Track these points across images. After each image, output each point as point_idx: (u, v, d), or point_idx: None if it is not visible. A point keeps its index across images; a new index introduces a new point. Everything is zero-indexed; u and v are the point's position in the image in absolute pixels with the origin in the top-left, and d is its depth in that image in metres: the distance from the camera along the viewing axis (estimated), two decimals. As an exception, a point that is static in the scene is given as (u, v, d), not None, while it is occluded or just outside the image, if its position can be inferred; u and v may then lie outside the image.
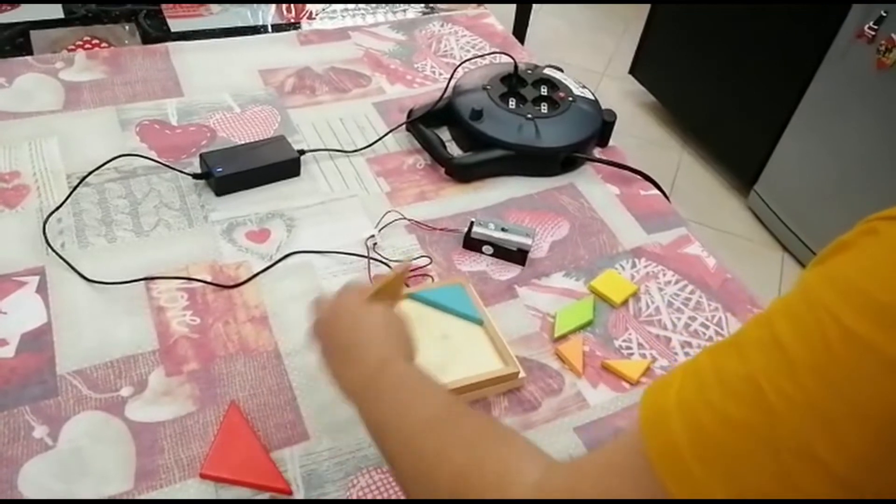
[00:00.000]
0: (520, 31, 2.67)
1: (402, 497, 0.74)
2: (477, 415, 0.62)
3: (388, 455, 0.61)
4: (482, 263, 1.00)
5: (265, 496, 0.73)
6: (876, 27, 2.01)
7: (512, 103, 1.17)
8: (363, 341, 0.68)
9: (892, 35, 1.97)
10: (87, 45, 1.28)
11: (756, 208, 2.62)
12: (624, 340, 0.93)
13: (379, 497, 0.74)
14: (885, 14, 1.98)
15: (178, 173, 1.05)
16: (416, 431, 0.59)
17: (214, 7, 1.43)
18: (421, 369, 0.66)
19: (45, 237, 0.94)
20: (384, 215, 1.03)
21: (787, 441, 0.38)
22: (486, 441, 0.56)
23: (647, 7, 2.89)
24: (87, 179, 1.02)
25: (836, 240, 0.44)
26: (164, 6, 1.41)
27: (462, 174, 1.12)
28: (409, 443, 0.58)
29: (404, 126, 1.19)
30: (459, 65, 1.25)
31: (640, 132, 2.95)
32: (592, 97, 1.23)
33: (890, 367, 0.36)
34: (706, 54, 2.66)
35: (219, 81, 1.24)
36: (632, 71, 3.03)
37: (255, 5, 1.46)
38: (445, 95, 1.20)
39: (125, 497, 0.71)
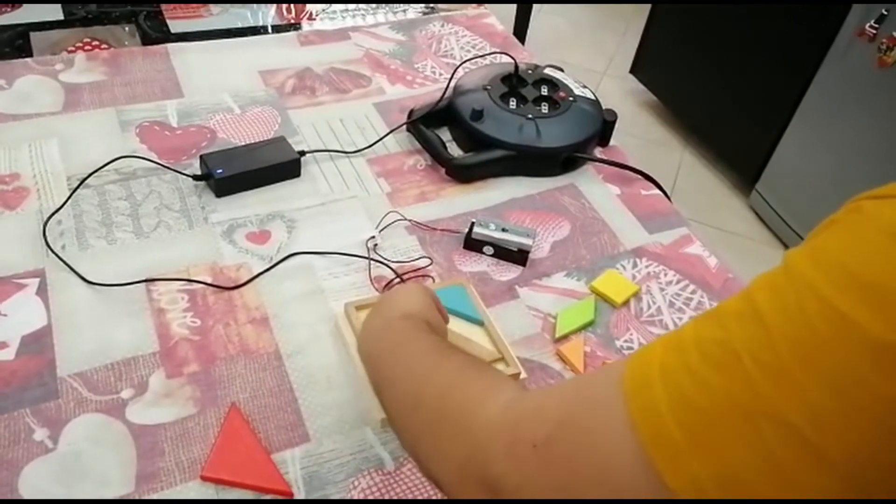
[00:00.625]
0: (520, 30, 2.67)
1: (403, 497, 0.74)
2: (465, 353, 0.66)
3: (380, 382, 0.66)
4: (483, 264, 1.00)
5: (266, 497, 0.72)
6: (877, 26, 2.01)
7: (512, 103, 1.17)
8: (400, 303, 0.74)
9: (894, 34, 1.96)
10: (87, 47, 1.28)
11: (758, 207, 2.61)
12: (625, 341, 0.93)
13: (381, 498, 0.74)
14: (886, 13, 1.98)
15: (179, 175, 1.05)
16: (409, 360, 0.65)
17: (214, 8, 1.43)
18: (431, 331, 0.70)
19: (46, 239, 0.94)
20: (385, 216, 1.03)
21: (763, 409, 0.38)
22: (470, 369, 0.61)
23: (648, 6, 2.89)
24: (87, 181, 1.02)
25: (826, 219, 0.45)
26: (163, 7, 1.41)
27: (463, 174, 1.11)
28: (402, 369, 0.64)
29: (405, 126, 1.19)
30: (460, 65, 1.25)
31: (641, 132, 2.94)
32: (593, 97, 1.23)
33: (866, 344, 0.36)
34: (707, 53, 2.66)
35: (219, 82, 1.24)
36: (633, 70, 3.03)
37: (255, 6, 1.46)
38: (446, 96, 1.19)
39: (126, 499, 0.71)
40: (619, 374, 0.45)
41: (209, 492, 0.72)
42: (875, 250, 0.38)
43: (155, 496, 0.71)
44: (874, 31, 2.02)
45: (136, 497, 0.71)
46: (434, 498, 0.75)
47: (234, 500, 0.72)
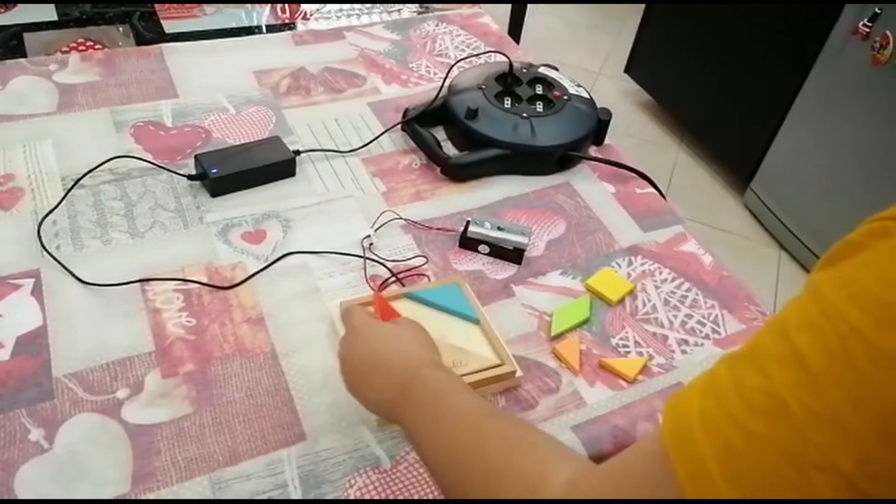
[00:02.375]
0: (515, 30, 2.67)
1: (400, 497, 0.74)
2: (508, 415, 0.65)
3: (428, 462, 0.63)
4: (478, 263, 1.00)
5: (265, 497, 0.72)
6: (870, 24, 2.02)
7: (507, 102, 1.17)
8: (384, 361, 0.70)
9: (887, 32, 1.97)
10: (81, 47, 1.28)
11: (752, 206, 2.62)
12: (621, 339, 0.93)
13: (377, 497, 0.74)
14: (879, 11, 1.99)
15: (173, 175, 1.05)
16: (451, 436, 0.61)
17: (208, 8, 1.43)
18: (446, 372, 0.68)
19: (40, 239, 0.93)
20: (380, 215, 1.03)
21: (812, 457, 0.37)
22: (520, 441, 0.58)
23: (642, 6, 2.89)
24: (81, 181, 1.02)
25: (843, 240, 0.43)
26: (158, 7, 1.41)
27: (458, 174, 1.12)
28: (445, 447, 0.61)
29: (399, 126, 1.19)
30: (454, 64, 1.25)
31: (636, 131, 2.95)
32: (588, 96, 1.23)
33: None
34: (702, 53, 2.67)
35: (213, 82, 1.24)
36: (627, 70, 3.03)
37: (249, 6, 1.46)
38: (441, 95, 1.19)
39: (122, 499, 0.71)
40: (652, 440, 0.44)
41: (205, 492, 0.72)
42: None
43: (151, 496, 0.71)
44: (867, 30, 2.03)
45: (133, 497, 0.71)
46: (433, 498, 0.75)
47: (234, 500, 0.72)
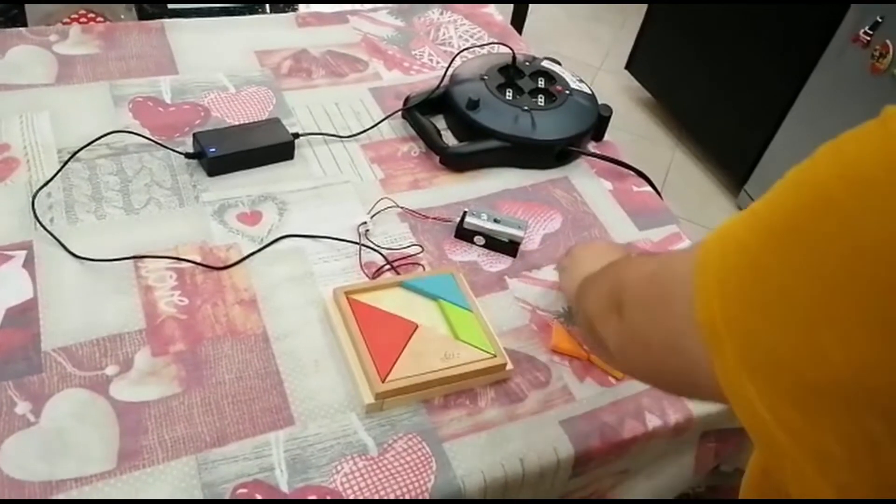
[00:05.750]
0: (517, 21, 2.66)
1: (385, 483, 0.74)
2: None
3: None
4: (473, 254, 1.00)
5: (261, 498, 0.72)
6: (871, 32, 2.02)
7: (509, 94, 1.17)
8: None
9: (887, 41, 1.97)
10: (83, 19, 1.27)
11: (745, 207, 2.62)
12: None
13: (363, 483, 0.74)
14: (881, 20, 1.99)
15: (171, 152, 1.04)
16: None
17: (212, -15, 1.42)
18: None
19: (34, 212, 0.93)
20: (377, 202, 1.03)
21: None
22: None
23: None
24: (78, 155, 1.01)
25: None
26: (161, -18, 1.40)
27: (456, 163, 1.11)
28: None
29: (400, 113, 1.18)
30: (458, 54, 1.25)
31: (634, 127, 2.95)
32: (589, 91, 1.23)
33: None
34: (703, 52, 2.66)
35: (214, 61, 1.23)
36: (628, 66, 3.03)
37: (253, -15, 1.45)
38: (442, 84, 1.19)
39: (107, 476, 0.71)
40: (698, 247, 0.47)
41: (191, 471, 0.72)
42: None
43: (137, 474, 0.71)
44: (868, 38, 2.03)
45: (118, 474, 0.71)
46: (418, 486, 0.75)
47: (234, 500, 0.71)
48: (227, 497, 0.71)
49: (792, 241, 0.40)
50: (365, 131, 1.15)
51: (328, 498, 0.72)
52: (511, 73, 1.20)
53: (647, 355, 0.54)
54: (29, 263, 0.88)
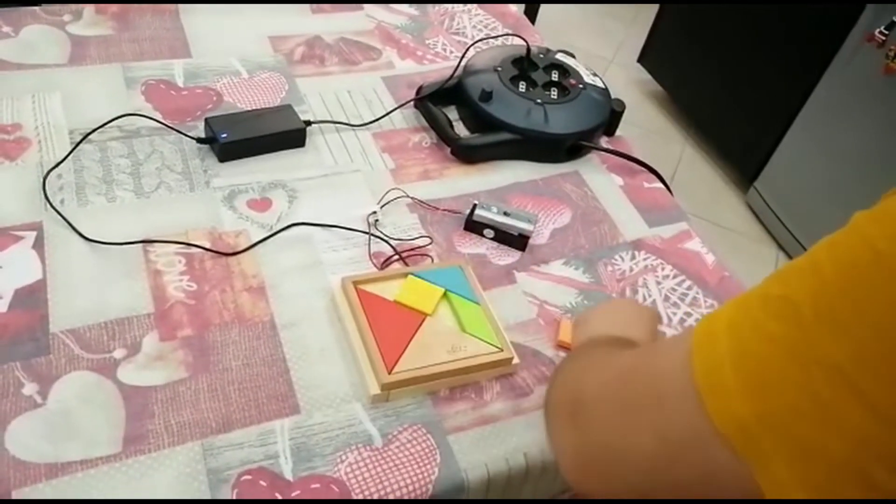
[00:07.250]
0: (530, 14, 2.65)
1: (389, 473, 0.74)
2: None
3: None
4: (482, 247, 1.00)
5: (265, 498, 0.72)
6: (886, 32, 2.00)
7: (522, 87, 1.16)
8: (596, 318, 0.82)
9: (904, 41, 1.96)
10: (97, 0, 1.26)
11: (754, 205, 2.62)
12: (619, 333, 0.93)
13: (367, 473, 0.74)
14: (896, 20, 1.98)
15: (183, 136, 1.04)
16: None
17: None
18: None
19: (45, 193, 0.93)
20: (387, 192, 1.03)
21: (815, 355, 0.40)
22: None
23: (658, -3, 2.87)
24: (89, 137, 1.01)
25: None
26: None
27: (468, 155, 1.11)
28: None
29: (412, 103, 1.18)
30: (472, 45, 1.24)
31: (644, 122, 2.94)
32: (603, 86, 1.22)
33: None
34: (716, 48, 2.65)
35: (227, 45, 1.22)
36: (640, 59, 3.01)
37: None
38: (456, 74, 1.18)
39: (112, 459, 0.71)
40: (690, 332, 0.48)
41: (197, 456, 0.72)
42: None
43: (142, 458, 0.72)
44: (883, 38, 2.01)
45: (124, 458, 0.71)
46: (421, 480, 0.75)
47: (233, 500, 0.71)
48: (232, 483, 0.71)
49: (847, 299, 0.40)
50: (376, 120, 1.14)
51: (332, 487, 0.73)
52: (525, 66, 1.20)
53: (623, 472, 0.51)
54: (38, 244, 0.88)
